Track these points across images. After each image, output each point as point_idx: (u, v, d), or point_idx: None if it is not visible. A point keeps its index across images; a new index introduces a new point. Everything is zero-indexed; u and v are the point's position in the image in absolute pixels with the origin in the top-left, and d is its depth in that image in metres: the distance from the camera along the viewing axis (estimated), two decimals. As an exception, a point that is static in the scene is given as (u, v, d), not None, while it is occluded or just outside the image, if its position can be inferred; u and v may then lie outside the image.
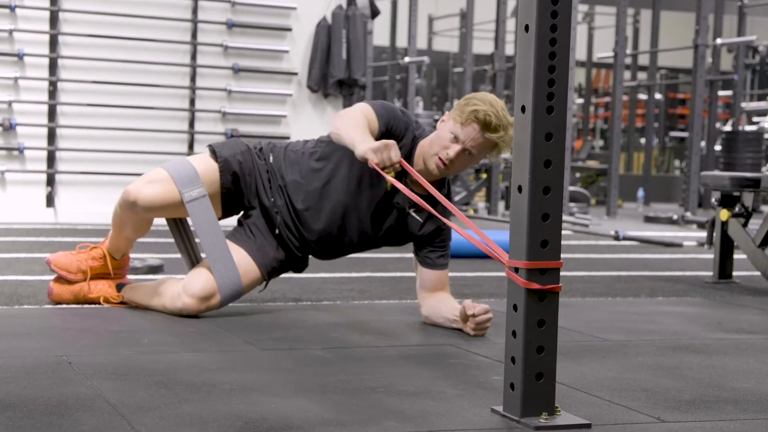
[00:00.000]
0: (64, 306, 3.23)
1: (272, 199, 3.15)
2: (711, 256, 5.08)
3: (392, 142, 2.81)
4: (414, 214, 3.11)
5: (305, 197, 3.12)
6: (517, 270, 1.98)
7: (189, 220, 3.16)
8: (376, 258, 4.99)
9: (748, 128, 13.03)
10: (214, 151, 3.15)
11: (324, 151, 3.13)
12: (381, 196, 3.08)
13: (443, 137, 2.98)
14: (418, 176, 2.85)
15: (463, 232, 2.37)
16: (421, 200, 2.63)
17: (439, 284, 3.13)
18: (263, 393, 2.15)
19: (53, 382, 2.18)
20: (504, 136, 2.95)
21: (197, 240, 3.19)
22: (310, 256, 3.27)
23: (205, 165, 3.12)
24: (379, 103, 3.06)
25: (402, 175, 2.98)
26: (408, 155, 3.05)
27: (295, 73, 7.36)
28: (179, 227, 3.25)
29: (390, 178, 2.79)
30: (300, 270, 3.29)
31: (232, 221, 3.30)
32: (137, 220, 3.11)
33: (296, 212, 3.13)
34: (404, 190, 2.71)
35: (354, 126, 2.89)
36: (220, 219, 3.15)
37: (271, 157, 3.19)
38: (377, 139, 2.94)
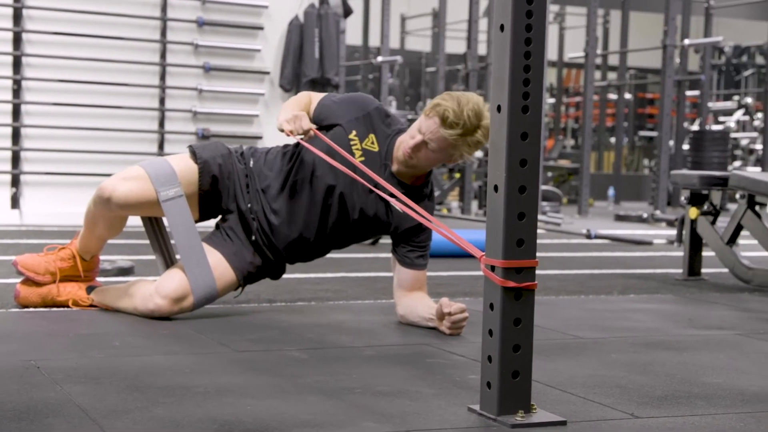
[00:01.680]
0: (31, 309, 3.17)
1: (249, 204, 3.14)
2: (680, 253, 5.13)
3: (302, 112, 3.01)
4: (393, 205, 3.10)
5: (281, 200, 3.10)
6: (493, 269, 1.98)
7: (165, 221, 3.13)
8: (351, 258, 4.98)
9: (715, 128, 13.17)
10: (194, 153, 3.13)
11: (299, 152, 3.13)
12: (357, 176, 3.07)
13: (413, 127, 3.03)
14: (327, 140, 3.00)
15: (440, 229, 2.37)
16: (402, 194, 2.60)
17: (416, 284, 3.13)
18: (238, 395, 2.13)
19: (21, 388, 2.13)
20: (460, 135, 2.94)
21: (172, 241, 3.16)
22: (287, 264, 3.26)
23: (183, 165, 3.10)
24: (331, 95, 3.19)
25: (385, 168, 3.06)
26: (388, 146, 3.11)
27: (267, 72, 7.33)
28: (155, 227, 3.21)
29: (305, 143, 3.00)
30: (277, 277, 3.27)
31: (209, 224, 3.28)
32: (111, 217, 3.07)
33: (274, 215, 3.11)
34: (313, 149, 2.92)
35: (287, 105, 3.10)
36: (197, 221, 3.12)
37: (251, 162, 3.18)
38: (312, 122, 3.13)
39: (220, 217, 3.21)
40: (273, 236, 3.13)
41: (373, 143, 3.10)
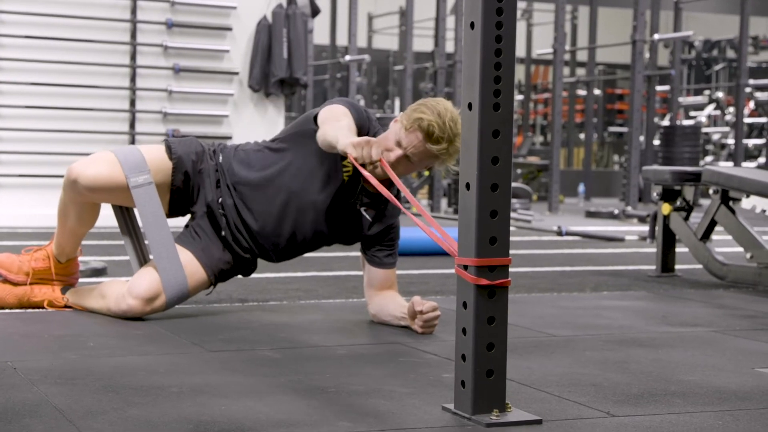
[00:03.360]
0: (7, 311, 3.16)
1: (220, 200, 3.12)
2: (653, 250, 5.15)
3: (374, 139, 2.76)
4: (364, 213, 3.11)
5: (254, 196, 3.09)
6: (466, 267, 1.98)
7: (136, 211, 3.12)
8: (322, 257, 4.98)
9: (686, 122, 13.27)
10: (169, 148, 3.11)
11: (276, 147, 3.11)
12: (335, 191, 3.06)
13: (390, 139, 2.96)
14: (395, 177, 2.65)
15: (423, 226, 2.36)
16: (389, 193, 2.58)
17: (386, 283, 3.13)
18: (213, 395, 2.13)
19: (-2, 389, 2.13)
20: (446, 149, 2.91)
21: (143, 232, 3.14)
22: (259, 260, 3.25)
23: (153, 154, 3.08)
24: (347, 102, 3.03)
25: (357, 171, 2.98)
26: None
27: (236, 73, 7.31)
28: (126, 219, 3.18)
29: (366, 173, 2.71)
30: (248, 274, 3.26)
31: (178, 223, 3.26)
32: (80, 204, 3.04)
33: (247, 210, 3.10)
34: (374, 182, 2.64)
35: (341, 127, 2.86)
36: (167, 216, 3.11)
37: (220, 157, 3.16)
38: None
39: (189, 216, 3.20)
40: (245, 232, 3.12)
41: None
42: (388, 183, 3.09)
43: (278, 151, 3.11)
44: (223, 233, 3.13)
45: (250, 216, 3.10)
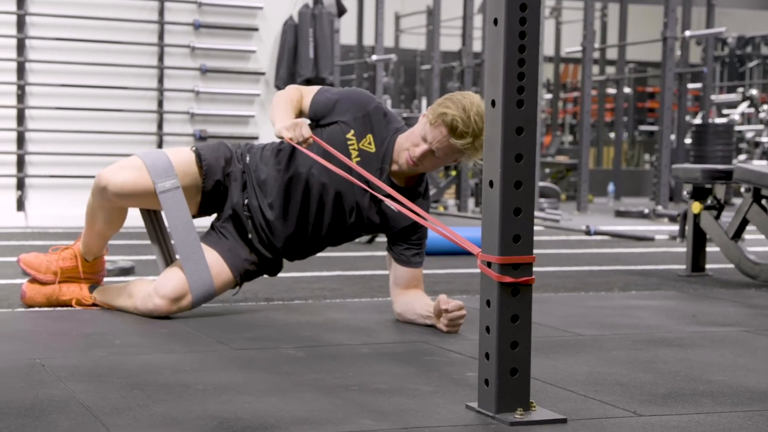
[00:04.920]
0: (36, 309, 3.19)
1: (246, 201, 3.13)
2: (683, 249, 5.10)
3: (302, 120, 2.95)
4: (389, 205, 3.10)
5: (278, 194, 3.10)
6: (489, 265, 1.97)
7: (163, 214, 3.14)
8: (347, 257, 4.98)
9: (718, 121, 13.13)
10: (199, 155, 3.12)
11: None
12: (353, 175, 3.06)
13: (416, 134, 2.98)
14: (330, 149, 2.96)
15: (436, 227, 2.36)
16: (397, 193, 2.58)
17: (413, 282, 3.13)
18: (237, 392, 2.13)
19: (27, 385, 2.16)
20: (471, 143, 2.91)
21: (170, 233, 3.16)
22: (284, 260, 3.25)
23: (180, 158, 3.10)
24: (326, 90, 3.13)
25: (381, 171, 3.03)
26: (387, 148, 3.06)
27: (263, 73, 7.33)
28: (153, 220, 3.21)
29: (307, 151, 2.92)
30: (274, 273, 3.27)
31: (204, 222, 3.28)
32: (109, 209, 3.06)
33: (270, 210, 3.11)
34: (311, 155, 2.86)
35: (280, 105, 3.03)
36: (193, 216, 3.12)
37: (247, 158, 3.17)
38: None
39: (215, 216, 3.21)
40: (269, 232, 3.12)
41: (370, 144, 3.08)
42: (415, 179, 3.10)
43: (294, 153, 3.11)
44: (249, 236, 3.13)
45: (273, 214, 3.11)
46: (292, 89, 3.13)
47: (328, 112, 3.10)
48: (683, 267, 4.79)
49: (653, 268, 4.96)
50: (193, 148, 3.17)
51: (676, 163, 11.19)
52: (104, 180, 3.00)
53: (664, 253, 5.78)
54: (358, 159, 3.06)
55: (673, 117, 11.10)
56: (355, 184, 3.02)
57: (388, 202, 2.69)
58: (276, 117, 2.99)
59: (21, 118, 6.74)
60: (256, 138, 7.17)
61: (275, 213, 3.11)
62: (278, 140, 3.23)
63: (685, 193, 4.70)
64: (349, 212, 3.10)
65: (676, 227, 7.31)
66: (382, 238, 5.53)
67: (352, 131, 3.07)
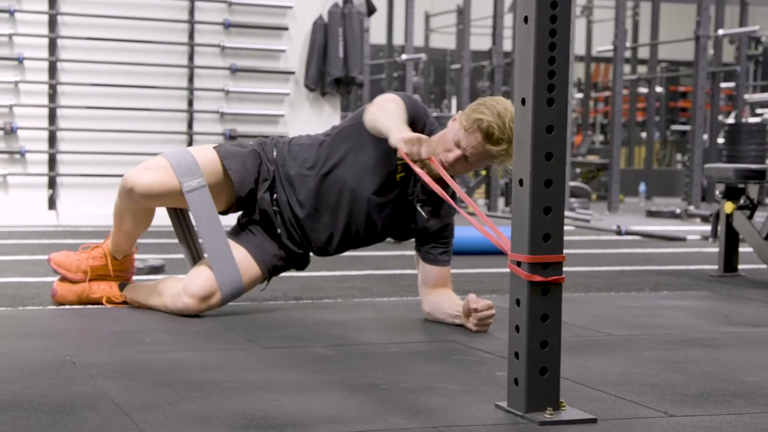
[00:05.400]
0: (67, 306, 3.22)
1: (275, 196, 3.13)
2: (715, 249, 5.05)
3: (426, 137, 2.74)
4: (420, 209, 3.09)
5: (308, 190, 3.08)
6: (519, 264, 1.96)
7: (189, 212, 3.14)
8: (377, 256, 4.98)
9: (752, 120, 12.99)
10: (224, 165, 3.09)
11: (331, 141, 3.11)
12: (390, 185, 3.05)
13: (448, 139, 2.94)
14: (445, 174, 2.68)
15: (476, 224, 2.34)
16: (441, 189, 2.56)
17: (441, 281, 3.12)
18: (266, 391, 2.14)
19: (58, 382, 2.18)
20: (506, 149, 2.88)
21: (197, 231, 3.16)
22: (313, 257, 3.25)
23: (205, 156, 3.08)
24: (405, 95, 3.01)
25: (411, 170, 2.98)
26: None
27: (293, 72, 7.34)
28: (180, 218, 3.22)
29: (418, 170, 2.69)
30: (302, 267, 3.27)
31: (229, 220, 3.28)
32: (136, 210, 3.08)
33: (299, 207, 3.10)
34: (426, 179, 2.61)
35: (391, 115, 2.85)
36: (220, 213, 3.13)
37: (274, 152, 3.16)
38: None
39: (241, 212, 3.21)
40: (299, 228, 3.12)
41: None
42: (442, 182, 3.08)
43: (333, 144, 3.10)
44: (278, 231, 3.14)
45: (303, 211, 3.10)
46: (390, 101, 2.93)
47: (419, 124, 2.99)
48: (715, 267, 4.75)
49: (685, 269, 4.92)
50: (218, 151, 3.11)
51: (709, 162, 11.09)
52: (130, 182, 3.01)
53: (696, 254, 5.72)
54: (403, 174, 3.04)
55: (705, 116, 10.99)
56: (389, 194, 3.01)
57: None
58: (391, 126, 2.79)
59: (53, 117, 6.81)
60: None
61: (305, 211, 3.11)
62: (305, 136, 3.22)
63: (717, 192, 4.65)
64: (379, 224, 3.10)
65: (708, 227, 7.24)
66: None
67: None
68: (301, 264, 3.25)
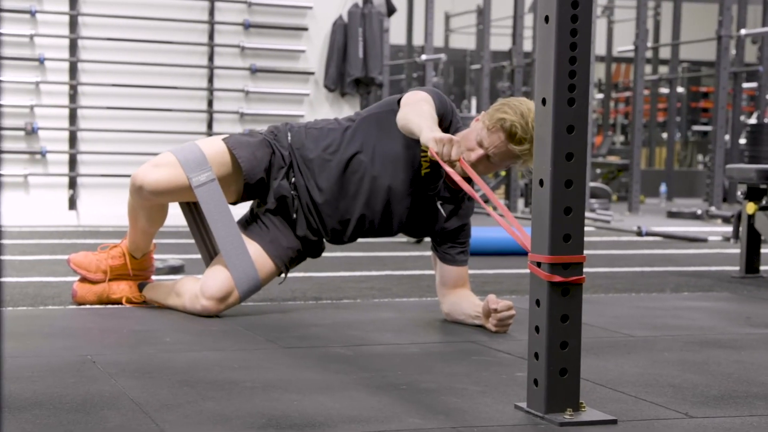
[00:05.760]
0: (87, 306, 3.23)
1: (293, 179, 3.11)
2: (737, 250, 5.02)
3: (457, 138, 2.69)
4: (440, 208, 3.09)
5: (327, 175, 3.06)
6: (539, 264, 1.95)
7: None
8: (396, 256, 4.97)
9: (774, 121, 12.89)
10: (233, 155, 3.10)
11: (355, 127, 3.08)
12: (412, 180, 3.05)
13: (470, 138, 2.94)
14: (474, 175, 2.61)
15: (501, 221, 2.32)
16: (468, 185, 2.55)
17: (459, 281, 3.11)
18: (285, 390, 2.14)
19: (78, 381, 2.19)
20: (529, 149, 2.87)
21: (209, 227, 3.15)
22: (327, 252, 3.23)
23: (213, 148, 3.07)
24: (434, 92, 2.99)
25: (437, 166, 2.97)
26: None
27: (312, 73, 7.36)
28: (194, 213, 3.21)
29: (448, 169, 2.63)
30: (317, 255, 3.25)
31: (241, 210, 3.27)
32: (148, 207, 3.08)
33: (318, 190, 3.09)
34: (452, 174, 2.56)
35: (423, 115, 2.81)
36: (231, 203, 3.12)
37: (288, 137, 3.14)
38: None
39: (255, 201, 3.20)
40: (316, 213, 3.10)
41: None
42: (467, 181, 3.07)
43: (358, 130, 3.08)
44: (294, 216, 3.11)
45: (321, 196, 3.08)
46: (422, 100, 2.90)
47: (446, 121, 2.99)
48: (737, 268, 4.71)
49: (706, 270, 4.88)
50: (227, 142, 3.09)
51: (730, 163, 11.02)
52: (139, 180, 3.01)
53: (717, 255, 5.69)
54: (428, 170, 3.04)
55: (727, 117, 10.92)
56: (411, 187, 3.00)
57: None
58: (423, 125, 2.73)
59: (73, 117, 6.85)
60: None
61: (324, 197, 3.08)
62: (322, 120, 3.20)
63: (739, 193, 4.62)
64: (398, 212, 3.09)
65: (729, 228, 7.20)
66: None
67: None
68: (316, 252, 3.23)
